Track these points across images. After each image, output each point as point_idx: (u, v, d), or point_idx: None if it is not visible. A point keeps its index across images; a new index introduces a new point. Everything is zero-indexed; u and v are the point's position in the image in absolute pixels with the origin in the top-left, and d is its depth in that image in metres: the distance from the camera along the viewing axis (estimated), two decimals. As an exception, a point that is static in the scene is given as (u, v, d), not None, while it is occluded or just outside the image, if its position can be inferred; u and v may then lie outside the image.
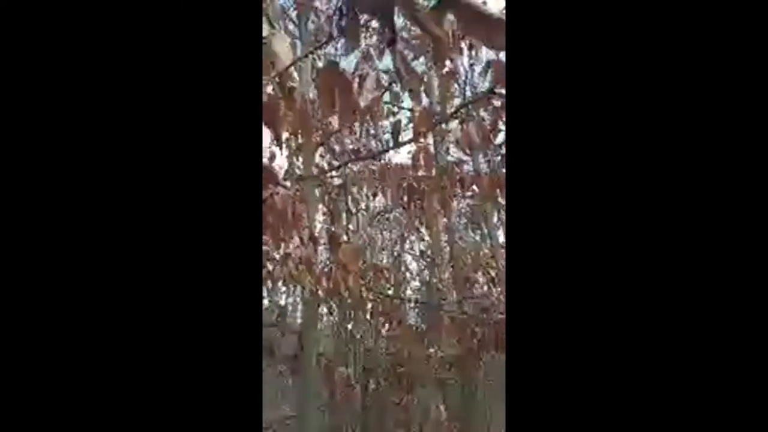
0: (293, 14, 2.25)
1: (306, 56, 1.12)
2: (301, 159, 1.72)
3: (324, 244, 1.93)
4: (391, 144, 1.77)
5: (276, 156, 1.29)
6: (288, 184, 1.32)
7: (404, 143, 1.48)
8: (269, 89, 0.83)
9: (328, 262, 1.96)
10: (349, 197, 2.07)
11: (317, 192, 2.09)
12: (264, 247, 1.82)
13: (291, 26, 2.28)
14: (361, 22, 0.67)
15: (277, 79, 0.79)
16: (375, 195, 2.42)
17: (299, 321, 2.57)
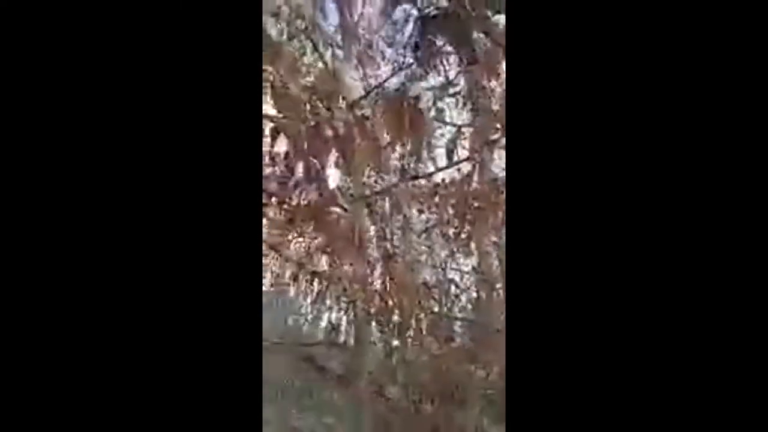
0: (338, 39, 2.32)
1: (380, 86, 1.15)
2: (350, 179, 1.75)
3: (376, 262, 1.93)
4: (444, 162, 1.76)
5: (330, 178, 1.32)
6: (346, 205, 1.34)
7: (461, 161, 1.47)
8: (339, 118, 0.86)
9: (380, 280, 1.96)
10: (400, 215, 2.07)
11: (366, 211, 2.11)
12: (313, 265, 1.86)
13: (338, 51, 2.36)
14: (437, 47, 0.68)
15: (349, 110, 0.81)
16: (422, 212, 2.40)
17: (350, 338, 2.58)
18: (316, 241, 1.52)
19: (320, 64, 0.89)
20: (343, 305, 2.01)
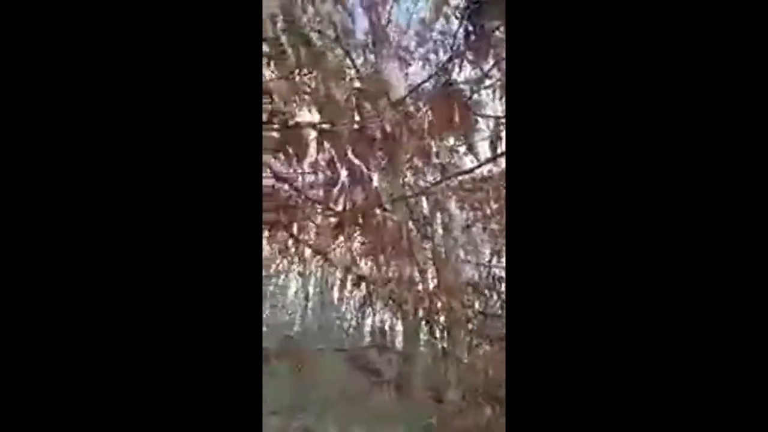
0: (370, 42, 2.34)
1: (428, 80, 1.13)
2: (394, 180, 1.74)
3: (422, 263, 1.91)
4: (488, 154, 1.72)
5: (375, 180, 1.31)
6: (390, 207, 1.33)
7: (502, 154, 1.42)
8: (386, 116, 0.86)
9: (427, 282, 1.94)
10: (443, 213, 2.05)
11: (410, 211, 2.09)
12: (359, 269, 1.87)
13: (370, 56, 2.37)
14: (491, 37, 0.66)
15: (393, 108, 0.81)
16: (464, 208, 2.36)
17: (399, 342, 2.57)
18: (362, 245, 1.52)
19: (360, 68, 0.89)
20: (392, 308, 2.00)
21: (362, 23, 2.18)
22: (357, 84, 0.87)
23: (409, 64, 2.39)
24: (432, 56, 2.58)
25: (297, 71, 0.93)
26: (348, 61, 0.91)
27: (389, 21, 2.43)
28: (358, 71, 0.93)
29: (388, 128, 0.85)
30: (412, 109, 0.89)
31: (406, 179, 1.73)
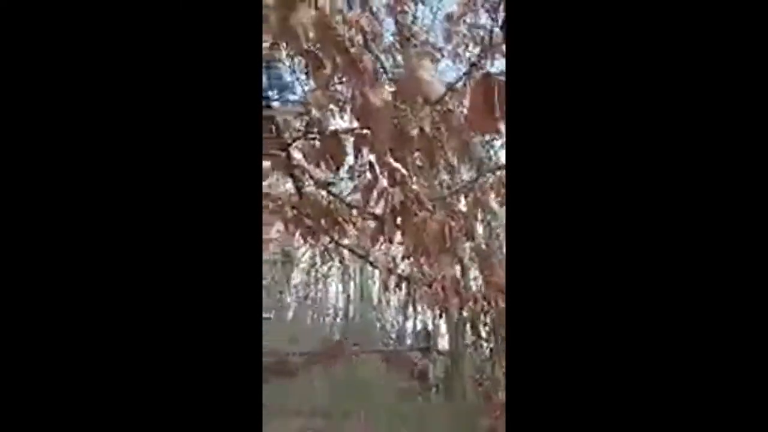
0: (397, 44, 2.34)
1: (463, 77, 1.13)
2: (434, 180, 1.73)
3: (466, 262, 1.89)
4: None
5: (414, 180, 1.31)
6: (432, 206, 1.32)
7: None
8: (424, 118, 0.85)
9: (471, 281, 1.90)
10: (484, 210, 2.01)
11: (446, 209, 2.07)
12: (402, 270, 1.87)
13: (398, 57, 2.38)
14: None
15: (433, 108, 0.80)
16: (503, 204, 2.30)
17: (444, 343, 2.55)
18: (404, 246, 1.52)
19: (394, 70, 0.90)
20: (436, 309, 1.99)
21: (389, 25, 2.19)
22: (392, 87, 0.88)
23: (438, 60, 2.37)
24: (461, 51, 2.55)
25: (333, 80, 0.95)
26: (380, 66, 0.92)
27: (415, 19, 2.42)
28: (392, 74, 0.94)
29: (427, 128, 0.85)
30: (450, 106, 0.88)
31: (444, 178, 1.71)
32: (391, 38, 2.21)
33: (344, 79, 0.92)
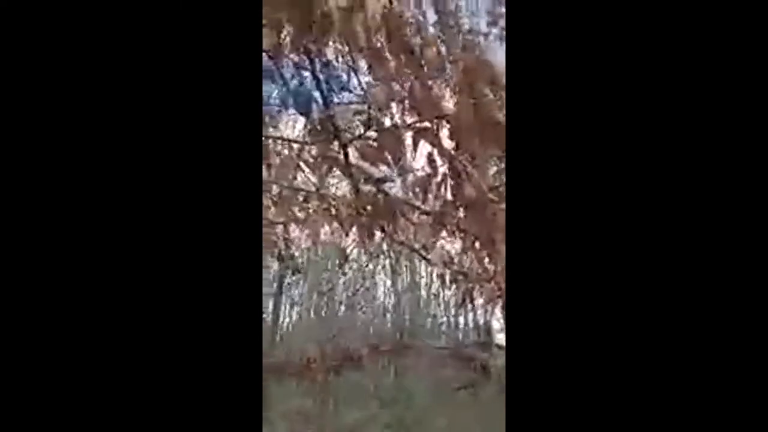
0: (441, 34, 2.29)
1: None
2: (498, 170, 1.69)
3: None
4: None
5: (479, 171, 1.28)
6: (496, 198, 1.29)
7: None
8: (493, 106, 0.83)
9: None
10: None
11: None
12: (466, 267, 1.84)
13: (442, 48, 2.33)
14: None
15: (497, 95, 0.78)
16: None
17: (501, 337, 2.49)
18: (465, 240, 1.50)
19: (458, 60, 0.89)
20: (496, 304, 1.95)
21: (432, 16, 2.15)
22: (456, 76, 0.86)
23: (480, 46, 2.31)
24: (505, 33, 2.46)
25: (395, 74, 0.95)
26: (444, 57, 0.91)
27: (458, 6, 2.36)
28: (456, 64, 0.93)
29: (492, 112, 0.83)
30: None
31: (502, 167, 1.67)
32: (433, 29, 2.18)
33: (405, 73, 0.91)
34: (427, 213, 1.47)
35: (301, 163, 1.63)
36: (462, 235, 1.45)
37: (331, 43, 0.95)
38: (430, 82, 0.89)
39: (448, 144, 1.07)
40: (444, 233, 1.45)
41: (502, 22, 2.61)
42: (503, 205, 1.24)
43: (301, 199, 1.97)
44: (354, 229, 1.83)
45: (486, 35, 2.51)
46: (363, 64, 1.01)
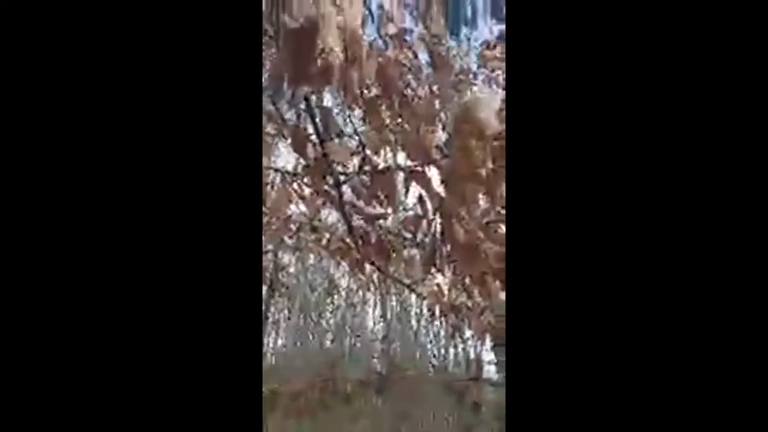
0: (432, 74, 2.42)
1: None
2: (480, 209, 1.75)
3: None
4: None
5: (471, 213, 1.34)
6: (481, 234, 1.34)
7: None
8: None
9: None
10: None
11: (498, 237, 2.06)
12: (457, 301, 1.87)
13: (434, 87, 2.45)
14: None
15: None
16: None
17: (496, 373, 2.49)
18: (455, 276, 1.54)
19: (448, 107, 0.96)
20: (485, 338, 1.97)
21: (424, 56, 2.27)
22: (445, 126, 0.93)
23: (475, 85, 2.43)
24: (495, 75, 2.59)
25: (388, 120, 1.01)
26: (436, 105, 0.98)
27: (449, 50, 2.50)
28: (446, 113, 1.00)
29: (482, 163, 0.89)
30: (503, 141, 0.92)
31: (497, 205, 1.73)
32: (427, 70, 2.30)
33: (399, 121, 0.98)
34: (418, 249, 1.52)
35: (294, 195, 1.67)
36: (451, 271, 1.49)
37: (327, 91, 1.02)
38: (421, 130, 0.95)
39: (437, 185, 1.12)
40: (433, 269, 1.49)
41: (495, 63, 2.76)
42: (491, 244, 1.29)
43: (293, 228, 2.00)
44: (345, 261, 1.86)
45: (475, 75, 2.65)
46: (358, 112, 1.07)
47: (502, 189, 1.24)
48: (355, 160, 1.22)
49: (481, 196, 1.10)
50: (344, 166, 1.26)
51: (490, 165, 0.87)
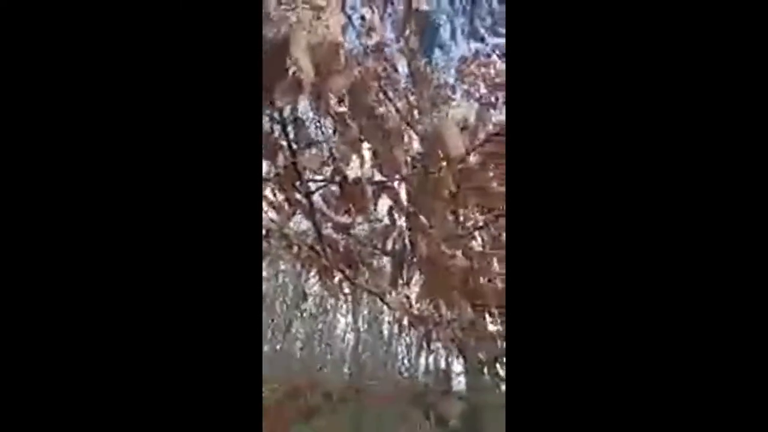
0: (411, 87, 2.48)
1: (483, 144, 1.22)
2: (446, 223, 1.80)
3: (485, 303, 1.92)
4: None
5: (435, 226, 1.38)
6: (449, 251, 1.38)
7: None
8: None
9: (489, 322, 1.93)
10: (501, 248, 2.06)
11: (464, 250, 2.12)
12: (424, 312, 1.90)
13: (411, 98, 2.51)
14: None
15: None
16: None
17: (461, 385, 2.53)
18: (422, 287, 1.57)
19: (419, 127, 0.99)
20: (453, 351, 2.00)
21: (403, 70, 2.32)
22: (416, 145, 0.96)
23: (453, 100, 2.51)
24: (473, 90, 2.69)
25: (359, 138, 1.04)
26: (406, 124, 1.02)
27: (429, 62, 2.57)
28: (416, 131, 1.03)
29: (450, 185, 0.93)
30: (470, 161, 0.97)
31: (462, 219, 1.78)
32: (405, 83, 2.35)
33: (370, 138, 1.01)
34: (386, 259, 1.55)
35: (264, 203, 1.67)
36: (420, 282, 1.53)
37: (300, 104, 1.04)
38: (392, 144, 0.99)
39: (405, 200, 1.16)
40: (402, 281, 1.52)
41: (472, 79, 2.86)
42: (457, 260, 1.33)
43: (264, 234, 1.99)
44: (314, 270, 1.87)
45: (453, 89, 2.73)
46: (329, 125, 1.10)
47: (467, 208, 1.30)
48: (326, 170, 1.24)
49: (447, 213, 1.14)
50: (315, 173, 1.28)
51: (453, 187, 0.91)
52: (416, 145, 1.02)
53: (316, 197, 1.38)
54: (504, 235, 2.08)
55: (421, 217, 1.11)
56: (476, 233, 1.82)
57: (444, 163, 0.90)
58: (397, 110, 1.17)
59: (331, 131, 1.08)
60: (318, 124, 1.17)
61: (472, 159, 1.01)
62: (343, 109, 1.00)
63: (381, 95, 1.26)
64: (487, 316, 2.03)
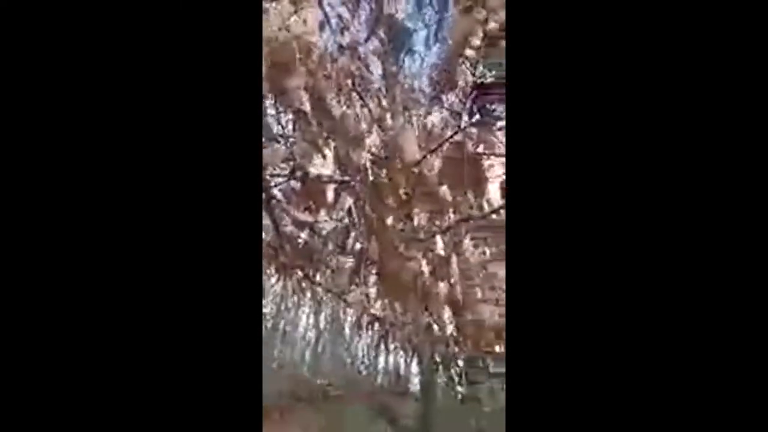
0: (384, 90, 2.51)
1: (438, 147, 1.26)
2: (409, 226, 1.84)
3: (439, 305, 1.97)
4: (499, 196, 1.81)
5: (390, 228, 1.41)
6: (406, 252, 1.42)
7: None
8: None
9: (445, 325, 1.98)
10: (460, 254, 2.12)
11: (421, 253, 2.16)
12: (381, 313, 1.94)
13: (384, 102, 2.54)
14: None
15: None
16: (477, 246, 2.41)
17: (416, 386, 2.57)
18: (378, 288, 1.61)
19: (378, 132, 1.02)
20: (408, 352, 2.04)
21: (377, 71, 2.35)
22: (373, 149, 0.99)
23: (422, 105, 2.55)
24: (443, 96, 2.74)
25: (320, 138, 1.06)
26: (365, 126, 1.04)
27: (402, 67, 2.60)
28: (374, 133, 1.06)
29: (402, 187, 0.96)
30: (426, 172, 1.01)
31: (419, 222, 1.83)
32: (378, 84, 2.37)
33: (330, 136, 1.03)
34: (345, 259, 1.57)
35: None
36: (377, 283, 1.56)
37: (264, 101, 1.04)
38: (354, 144, 1.01)
39: (364, 201, 1.19)
40: (359, 280, 1.55)
41: (439, 87, 2.90)
42: (411, 259, 1.37)
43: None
44: (273, 268, 1.86)
45: (424, 93, 2.77)
46: (291, 122, 1.11)
47: (422, 213, 1.34)
48: (287, 167, 1.25)
49: (404, 216, 1.18)
50: (275, 169, 1.29)
51: (407, 190, 0.95)
52: (378, 147, 1.06)
53: (276, 192, 1.38)
54: (463, 241, 2.15)
55: (378, 220, 1.14)
56: (435, 237, 1.87)
57: (399, 167, 0.94)
58: (369, 111, 1.19)
59: (293, 128, 1.09)
60: (281, 119, 1.18)
61: (430, 164, 1.06)
62: (307, 106, 1.02)
63: (353, 93, 1.28)
64: (443, 318, 2.09)
